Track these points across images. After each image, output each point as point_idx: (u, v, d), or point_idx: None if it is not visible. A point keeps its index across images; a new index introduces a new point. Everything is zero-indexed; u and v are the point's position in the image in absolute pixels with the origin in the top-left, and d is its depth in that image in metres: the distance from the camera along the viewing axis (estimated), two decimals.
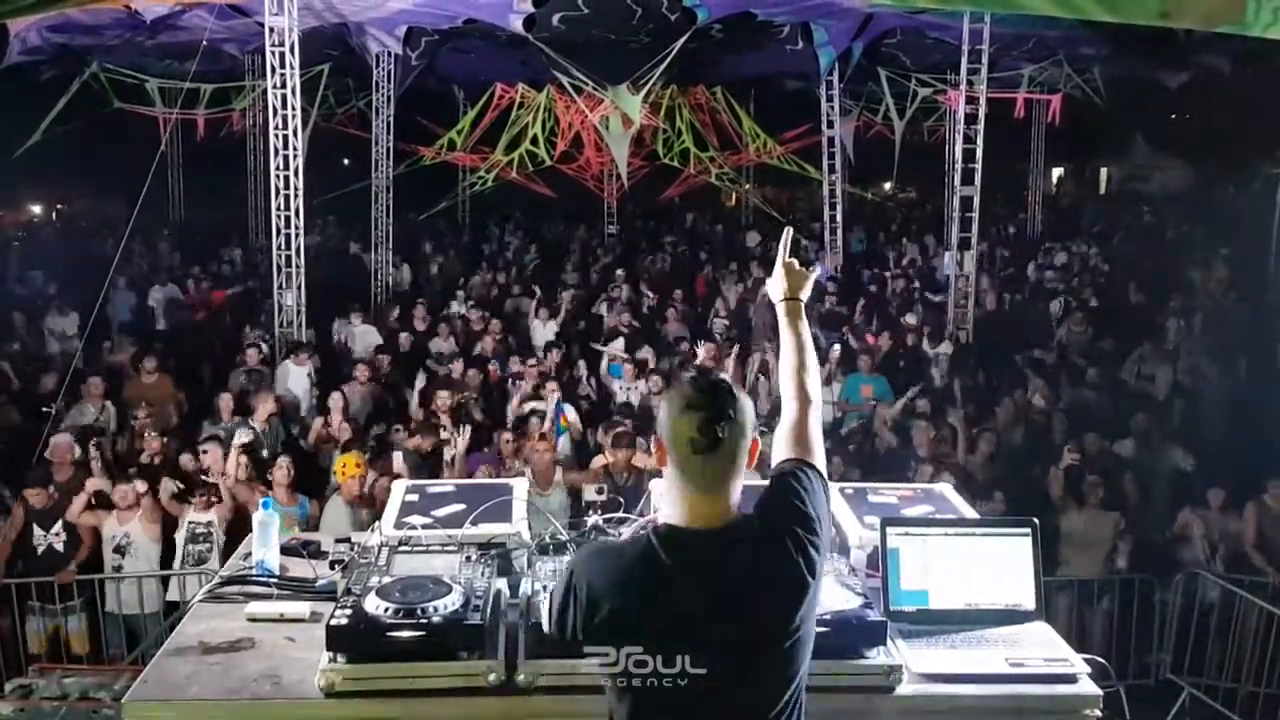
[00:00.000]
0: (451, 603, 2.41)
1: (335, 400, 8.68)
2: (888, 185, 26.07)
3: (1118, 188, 29.01)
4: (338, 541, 3.09)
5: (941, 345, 10.83)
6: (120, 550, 6.90)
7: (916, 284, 14.59)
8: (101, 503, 7.02)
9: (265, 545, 2.86)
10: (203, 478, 7.13)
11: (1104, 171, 30.38)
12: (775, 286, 2.60)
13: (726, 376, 2.10)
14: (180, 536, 6.91)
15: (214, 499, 6.93)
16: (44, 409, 8.24)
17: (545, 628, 2.18)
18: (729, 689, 2.00)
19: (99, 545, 6.95)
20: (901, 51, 17.27)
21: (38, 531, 6.92)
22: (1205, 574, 6.94)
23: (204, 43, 12.40)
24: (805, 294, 2.58)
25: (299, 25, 11.72)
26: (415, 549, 2.73)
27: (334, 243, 18.81)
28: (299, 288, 11.75)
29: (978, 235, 12.88)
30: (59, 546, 6.92)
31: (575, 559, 2.15)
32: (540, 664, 2.34)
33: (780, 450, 2.26)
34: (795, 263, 2.61)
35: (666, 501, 2.08)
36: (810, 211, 21.79)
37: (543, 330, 11.72)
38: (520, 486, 3.10)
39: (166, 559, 7.00)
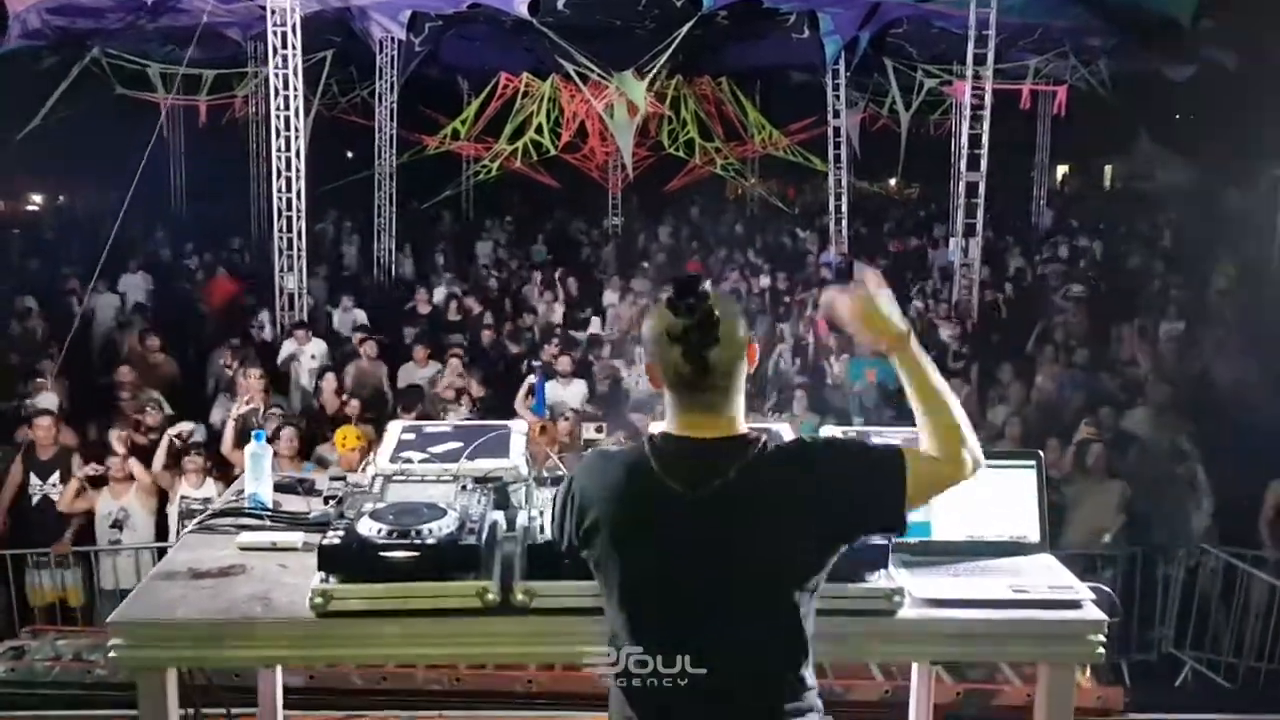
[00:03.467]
0: (446, 525, 2.36)
1: (328, 381, 8.70)
2: (893, 180, 26.00)
3: (1122, 184, 28.90)
4: (332, 479, 3.04)
5: (946, 330, 10.77)
6: (118, 525, 6.86)
7: (923, 271, 14.56)
8: (93, 482, 6.97)
9: (257, 478, 2.81)
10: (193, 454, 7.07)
11: (1108, 169, 30.28)
12: (871, 326, 2.02)
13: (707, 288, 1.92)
14: (173, 511, 6.87)
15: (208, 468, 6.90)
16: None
17: (550, 535, 2.17)
18: (714, 602, 1.91)
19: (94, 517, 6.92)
20: (908, 42, 17.25)
21: (34, 480, 6.96)
22: (1209, 548, 6.89)
23: (203, 23, 12.38)
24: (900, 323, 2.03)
25: (301, 8, 11.69)
26: (410, 479, 2.68)
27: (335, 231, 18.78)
28: (301, 271, 11.73)
29: (983, 225, 12.86)
30: (55, 497, 6.95)
31: (576, 465, 2.12)
32: (536, 585, 2.29)
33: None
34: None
35: (668, 415, 2.00)
36: (816, 204, 21.71)
37: (549, 314, 11.70)
38: (519, 425, 3.07)
39: (163, 534, 6.96)
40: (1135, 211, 22.85)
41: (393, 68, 16.59)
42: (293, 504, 2.89)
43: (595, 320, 11.52)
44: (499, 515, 2.60)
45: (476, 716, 4.15)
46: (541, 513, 2.46)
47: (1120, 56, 17.44)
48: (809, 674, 1.98)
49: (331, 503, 2.78)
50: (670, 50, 14.94)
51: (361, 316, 11.69)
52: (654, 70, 15.75)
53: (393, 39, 16.21)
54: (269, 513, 2.76)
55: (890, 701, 4.57)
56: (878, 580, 2.34)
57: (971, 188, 12.32)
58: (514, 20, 15.16)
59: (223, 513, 2.79)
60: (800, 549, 1.92)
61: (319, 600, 2.25)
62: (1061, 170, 29.07)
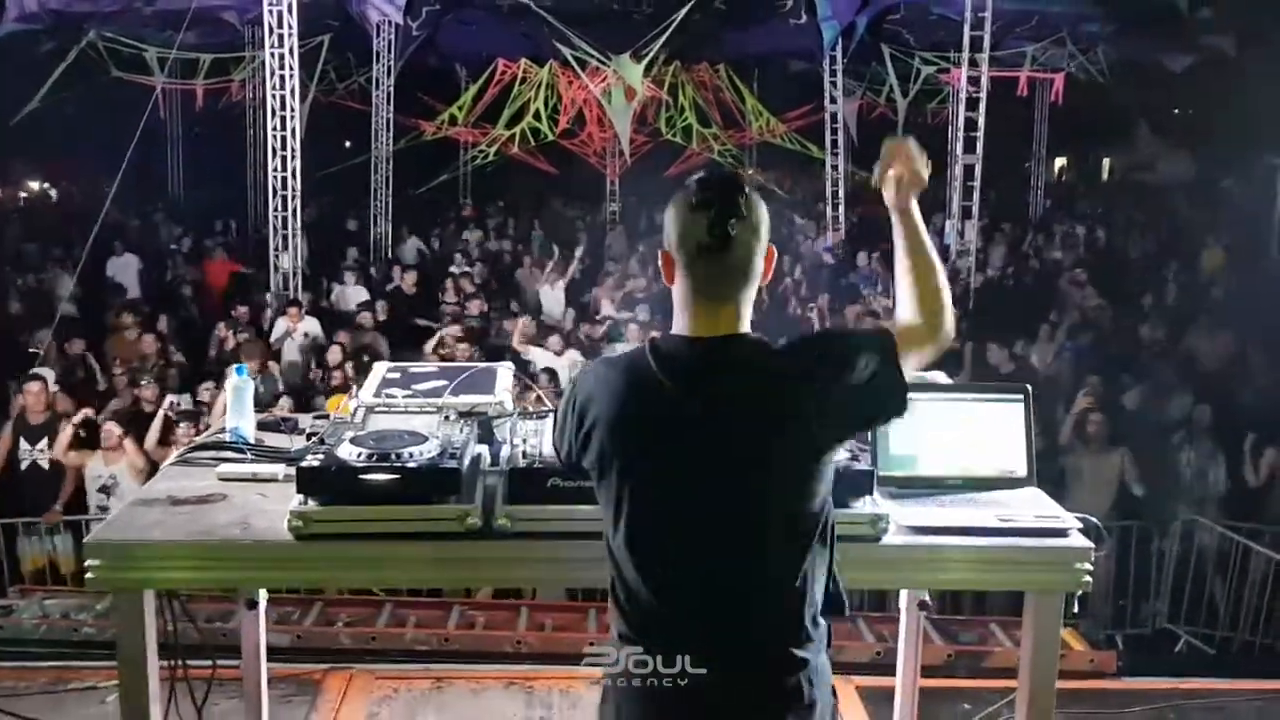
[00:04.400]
0: (427, 450, 2.34)
1: (334, 352, 8.76)
2: None
3: (1121, 175, 28.84)
4: (316, 418, 3.02)
5: None
6: (106, 490, 6.84)
7: None
8: (86, 443, 6.96)
9: (240, 413, 2.79)
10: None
11: (1106, 160, 30.21)
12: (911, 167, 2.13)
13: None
14: None
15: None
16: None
17: (551, 448, 2.13)
18: (718, 510, 1.83)
19: (84, 483, 6.91)
20: (905, 28, 17.20)
21: (24, 445, 6.97)
22: (1203, 520, 6.88)
23: (198, 6, 12.36)
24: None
25: None
26: (394, 410, 2.66)
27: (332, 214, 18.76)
28: (295, 250, 11.71)
29: (979, 210, 12.86)
30: (44, 463, 6.96)
31: (579, 371, 2.06)
32: (519, 509, 2.26)
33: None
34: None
35: (675, 315, 1.92)
36: (813, 191, 21.66)
37: (551, 294, 11.67)
38: (506, 366, 3.05)
39: None
40: (1134, 201, 22.84)
41: (390, 52, 16.55)
42: (275, 441, 2.87)
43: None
44: (483, 448, 2.58)
45: (464, 670, 4.13)
46: (525, 440, 2.44)
47: (1118, 44, 17.38)
48: (817, 614, 1.89)
49: (314, 439, 2.77)
50: (668, 34, 14.89)
51: (363, 293, 11.66)
52: (651, 54, 15.69)
53: (390, 23, 16.17)
54: (250, 446, 2.74)
55: (880, 663, 4.55)
56: (862, 506, 2.32)
57: (968, 170, 12.30)
58: (511, 5, 15.15)
59: (204, 446, 2.77)
60: (803, 451, 1.85)
61: (297, 523, 2.23)
62: (1060, 161, 29.04)
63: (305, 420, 3.04)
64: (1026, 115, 20.52)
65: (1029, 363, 9.20)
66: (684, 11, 14.27)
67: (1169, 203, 22.87)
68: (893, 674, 3.18)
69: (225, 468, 2.60)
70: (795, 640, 1.86)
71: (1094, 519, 2.40)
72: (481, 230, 17.18)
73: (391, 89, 16.64)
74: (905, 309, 2.02)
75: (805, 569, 1.86)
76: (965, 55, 11.97)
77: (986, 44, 11.91)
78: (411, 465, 2.29)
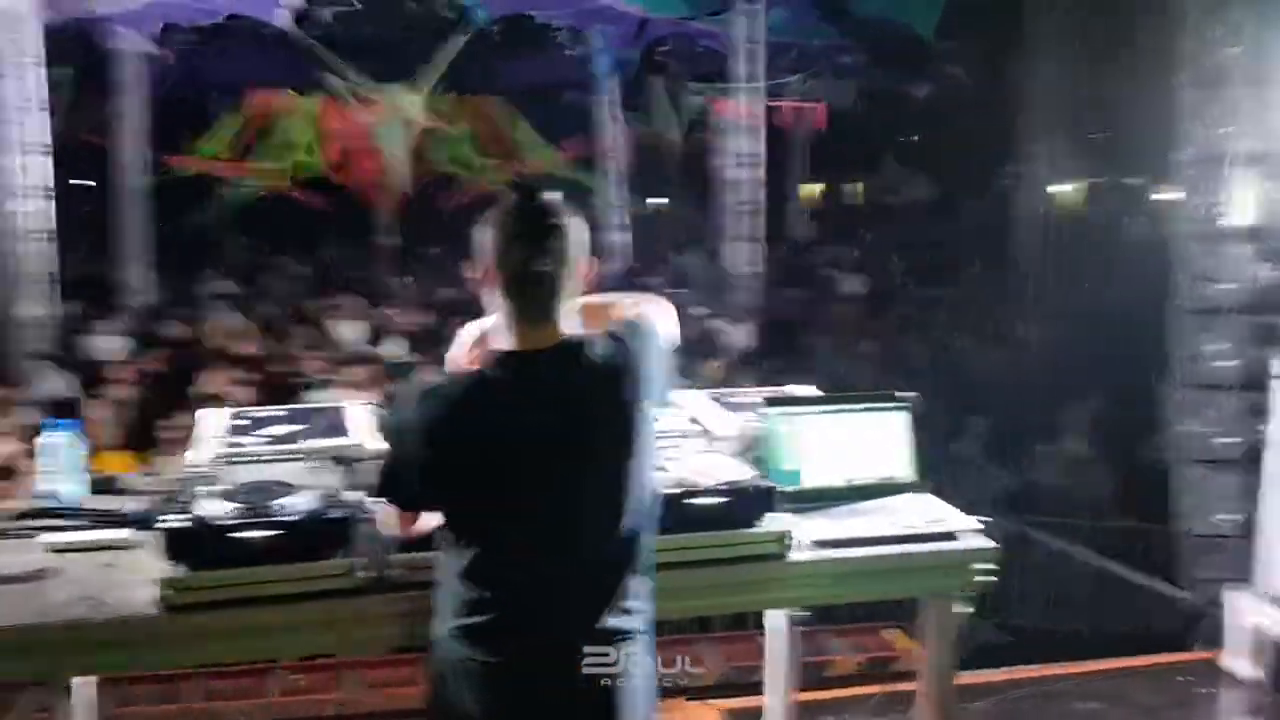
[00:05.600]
0: (306, 501, 2.15)
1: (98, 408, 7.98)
2: (666, 198, 26.47)
3: (872, 199, 30.58)
4: (146, 475, 2.72)
5: (731, 332, 11.01)
6: None
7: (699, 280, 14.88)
8: None
9: (62, 473, 2.47)
10: None
11: (859, 185, 32.00)
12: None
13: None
14: None
15: None
16: None
17: (375, 494, 2.09)
18: (567, 518, 1.96)
19: None
20: (674, 60, 17.61)
21: None
22: (990, 519, 7.28)
23: None
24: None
25: (40, 17, 10.74)
26: (249, 461, 2.42)
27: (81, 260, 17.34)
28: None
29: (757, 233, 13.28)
30: None
31: (395, 411, 2.06)
32: (412, 556, 2.11)
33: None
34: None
35: (498, 329, 2.06)
36: (592, 221, 21.78)
37: (350, 331, 11.17)
38: (356, 405, 2.85)
39: None
40: (886, 222, 24.26)
41: (142, 85, 15.50)
42: (97, 503, 2.57)
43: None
44: (358, 493, 2.39)
45: None
46: None
47: (870, 74, 18.43)
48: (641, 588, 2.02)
49: (148, 498, 2.49)
50: (444, 65, 14.65)
51: (121, 342, 10.79)
52: (427, 85, 15.40)
53: (142, 54, 15.17)
54: (81, 511, 2.43)
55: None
56: (767, 524, 2.29)
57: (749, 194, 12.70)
58: (276, 33, 14.52)
59: (20, 515, 2.43)
60: (624, 430, 2.01)
61: (168, 592, 1.99)
62: (818, 187, 30.50)
63: (126, 479, 2.74)
64: (788, 144, 21.41)
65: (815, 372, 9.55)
66: (460, 43, 14.08)
67: (915, 223, 24.52)
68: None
69: (52, 537, 2.30)
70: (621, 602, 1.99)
71: (983, 519, 2.45)
72: (249, 267, 16.38)
73: (145, 125, 15.58)
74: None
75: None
76: (742, 86, 12.34)
77: (761, 74, 12.34)
78: (293, 518, 2.09)
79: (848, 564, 2.30)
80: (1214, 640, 4.78)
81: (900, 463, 2.61)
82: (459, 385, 2.06)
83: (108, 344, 10.65)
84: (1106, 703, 3.98)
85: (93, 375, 9.93)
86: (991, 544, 2.35)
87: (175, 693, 4.49)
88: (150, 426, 8.28)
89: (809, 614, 3.17)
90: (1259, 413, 5.18)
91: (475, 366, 2.13)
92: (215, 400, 8.00)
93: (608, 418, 2.00)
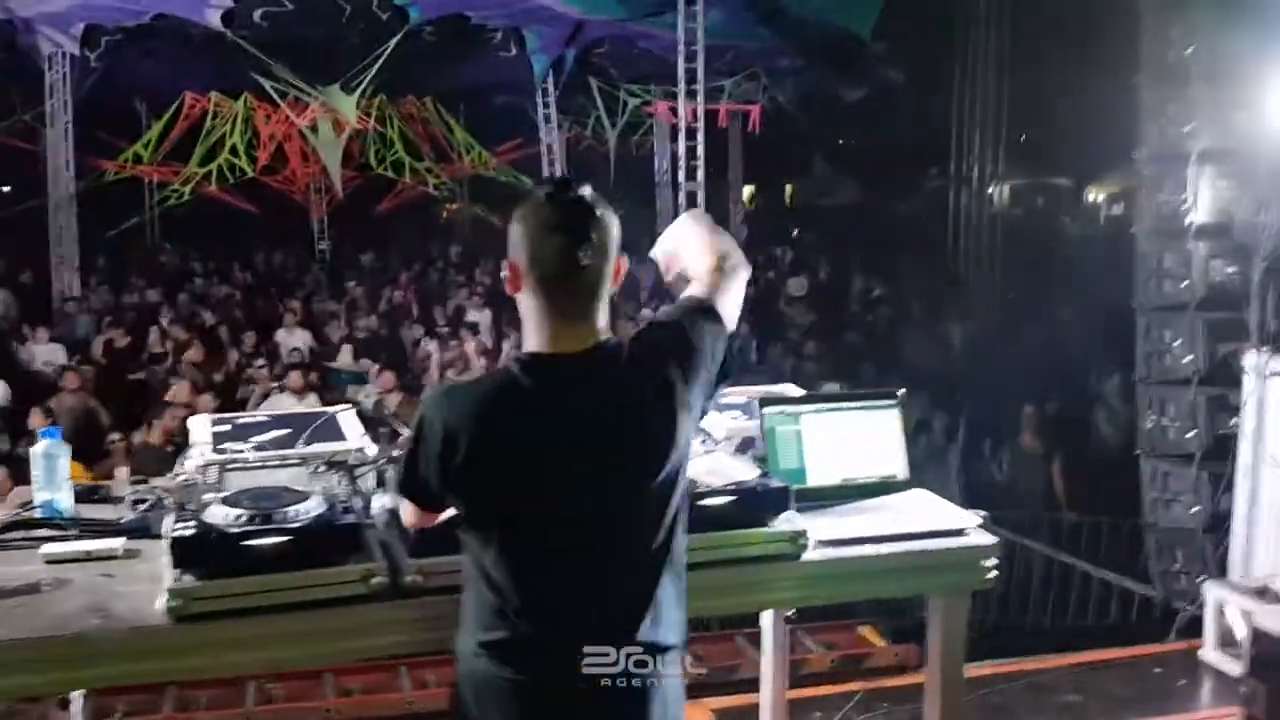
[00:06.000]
0: (315, 506, 2.10)
1: (35, 416, 7.75)
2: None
3: (804, 201, 30.90)
4: (134, 483, 2.64)
5: None
6: None
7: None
8: None
9: (52, 483, 2.39)
10: None
11: (789, 187, 32.31)
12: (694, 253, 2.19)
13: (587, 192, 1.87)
14: None
15: None
16: None
17: (393, 491, 1.99)
18: (600, 526, 1.84)
19: None
20: (610, 62, 17.61)
21: None
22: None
23: None
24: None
25: None
26: (249, 467, 2.36)
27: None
28: None
29: None
30: None
31: (424, 405, 1.91)
32: (428, 562, 2.06)
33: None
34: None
35: (527, 329, 1.90)
36: None
37: (289, 338, 10.98)
38: (345, 408, 2.79)
39: None
40: (819, 224, 24.55)
41: (65, 86, 15.08)
42: (94, 513, 2.49)
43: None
44: (365, 498, 2.35)
45: None
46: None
47: (805, 77, 18.60)
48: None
49: (141, 507, 2.42)
50: (378, 65, 14.47)
51: (60, 352, 10.52)
52: (361, 86, 15.20)
53: (64, 55, 14.76)
54: (73, 521, 2.35)
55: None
56: (781, 524, 2.29)
57: (690, 198, 12.75)
58: (204, 34, 14.21)
59: (13, 525, 2.34)
60: (663, 440, 1.88)
61: (176, 603, 1.92)
62: (748, 189, 30.70)
63: (119, 487, 2.66)
64: (725, 146, 21.52)
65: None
66: (394, 42, 13.91)
67: (848, 225, 24.85)
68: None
69: (50, 548, 2.22)
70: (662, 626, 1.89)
71: (984, 513, 2.48)
72: (184, 273, 16.04)
73: (69, 126, 15.14)
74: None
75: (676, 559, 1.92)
76: (682, 87, 12.39)
77: (701, 75, 12.39)
78: (302, 524, 2.04)
79: (860, 563, 2.29)
80: (1186, 632, 4.86)
81: (896, 460, 2.62)
82: (485, 385, 1.96)
83: (45, 352, 10.37)
84: (1088, 695, 4.05)
85: (30, 384, 9.70)
86: (996, 539, 2.37)
87: (155, 704, 4.38)
88: (96, 436, 8.11)
89: (795, 613, 3.18)
90: (1223, 408, 5.33)
91: (498, 367, 2.04)
92: (185, 409, 7.88)
93: (646, 427, 1.86)
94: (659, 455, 1.86)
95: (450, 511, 1.91)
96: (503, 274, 1.91)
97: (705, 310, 2.02)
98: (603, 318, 1.90)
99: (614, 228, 1.88)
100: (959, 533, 2.39)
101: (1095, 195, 27.54)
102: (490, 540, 1.85)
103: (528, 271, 1.85)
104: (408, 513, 1.98)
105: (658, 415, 1.87)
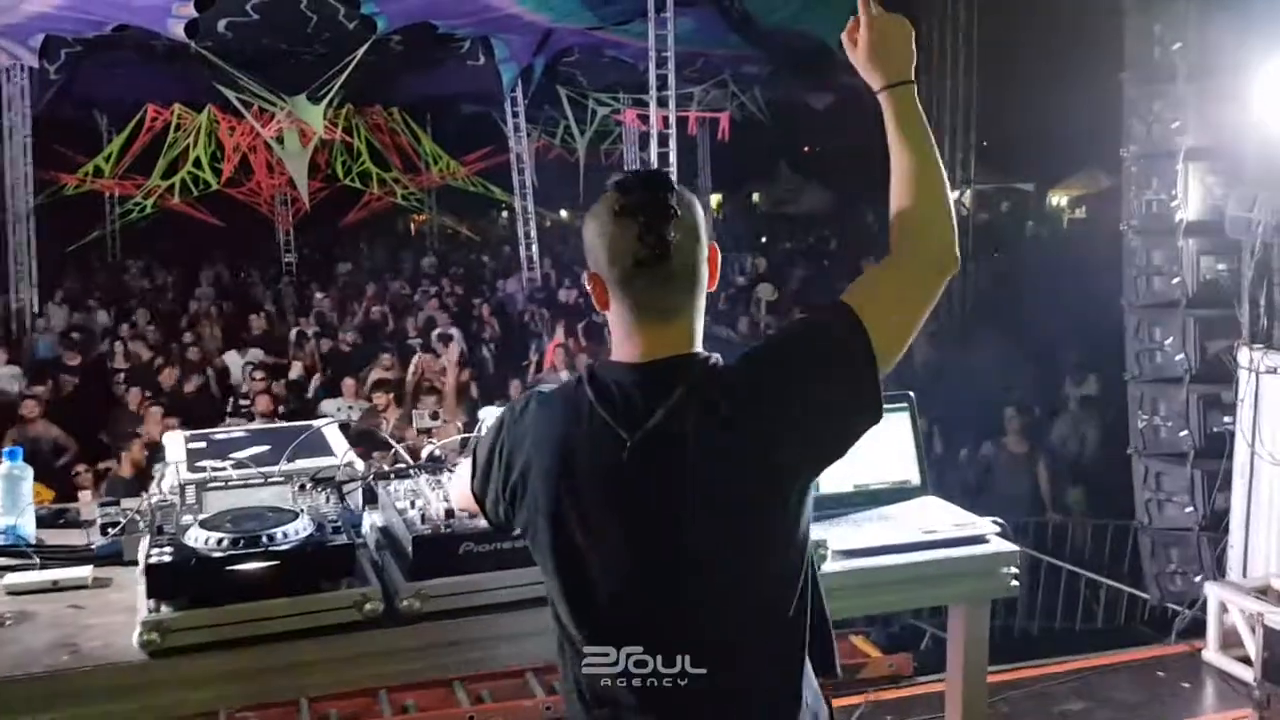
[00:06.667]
0: (303, 527, 1.95)
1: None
2: (573, 210, 26.35)
3: (770, 208, 30.94)
4: (103, 505, 2.47)
5: None
6: None
7: None
8: None
9: (15, 508, 2.23)
10: None
11: (756, 194, 32.35)
12: (874, 61, 1.77)
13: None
14: None
15: None
16: None
17: (468, 489, 1.74)
18: (665, 578, 1.52)
19: None
20: (579, 70, 17.49)
21: None
22: None
23: None
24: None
25: None
26: (230, 485, 2.21)
27: None
28: None
29: None
30: None
31: (511, 407, 1.69)
32: (425, 585, 1.93)
33: None
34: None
35: (614, 343, 1.62)
36: (496, 234, 21.58)
37: (239, 360, 10.77)
38: (330, 423, 2.65)
39: None
40: (788, 231, 24.59)
41: (24, 99, 14.77)
42: (57, 538, 2.32)
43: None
44: (355, 517, 2.20)
45: None
46: (413, 504, 2.09)
47: (773, 85, 18.59)
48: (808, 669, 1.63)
49: (112, 531, 2.25)
50: (345, 75, 14.25)
51: (15, 374, 10.24)
52: (328, 95, 14.98)
53: (22, 67, 14.46)
54: (37, 548, 2.19)
55: None
56: None
57: None
58: (167, 46, 13.93)
59: None
60: (767, 489, 1.55)
61: (151, 636, 1.77)
62: (715, 197, 30.69)
63: (86, 510, 2.49)
64: (695, 153, 21.49)
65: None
66: (361, 51, 13.70)
67: (816, 232, 24.92)
68: None
69: (12, 578, 2.06)
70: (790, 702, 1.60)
71: (1001, 521, 2.37)
72: (148, 288, 15.76)
73: (28, 140, 14.82)
74: (905, 222, 1.72)
75: (793, 622, 1.61)
76: (653, 95, 12.27)
77: (672, 83, 12.27)
78: (290, 547, 1.90)
79: (881, 573, 2.18)
80: (1185, 633, 4.79)
81: (909, 466, 2.51)
82: (551, 399, 1.65)
83: (2, 377, 10.09)
84: (1094, 701, 3.96)
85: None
86: (1015, 546, 2.26)
87: None
88: (63, 468, 7.87)
89: None
90: (1216, 406, 5.27)
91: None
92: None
93: (733, 473, 1.53)
94: (723, 513, 1.53)
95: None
96: (587, 287, 1.62)
97: (860, 349, 1.60)
98: (698, 320, 1.60)
99: (699, 207, 1.59)
100: (980, 540, 2.28)
101: (1058, 199, 27.81)
102: (552, 586, 1.61)
103: (608, 271, 1.57)
104: (461, 497, 1.82)
105: (733, 468, 1.53)
